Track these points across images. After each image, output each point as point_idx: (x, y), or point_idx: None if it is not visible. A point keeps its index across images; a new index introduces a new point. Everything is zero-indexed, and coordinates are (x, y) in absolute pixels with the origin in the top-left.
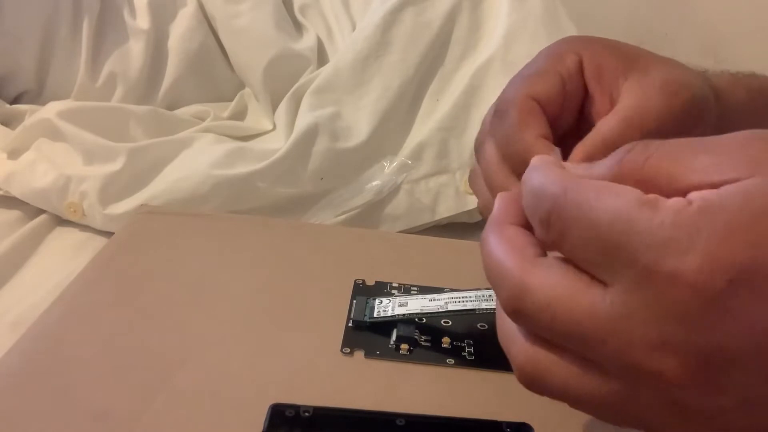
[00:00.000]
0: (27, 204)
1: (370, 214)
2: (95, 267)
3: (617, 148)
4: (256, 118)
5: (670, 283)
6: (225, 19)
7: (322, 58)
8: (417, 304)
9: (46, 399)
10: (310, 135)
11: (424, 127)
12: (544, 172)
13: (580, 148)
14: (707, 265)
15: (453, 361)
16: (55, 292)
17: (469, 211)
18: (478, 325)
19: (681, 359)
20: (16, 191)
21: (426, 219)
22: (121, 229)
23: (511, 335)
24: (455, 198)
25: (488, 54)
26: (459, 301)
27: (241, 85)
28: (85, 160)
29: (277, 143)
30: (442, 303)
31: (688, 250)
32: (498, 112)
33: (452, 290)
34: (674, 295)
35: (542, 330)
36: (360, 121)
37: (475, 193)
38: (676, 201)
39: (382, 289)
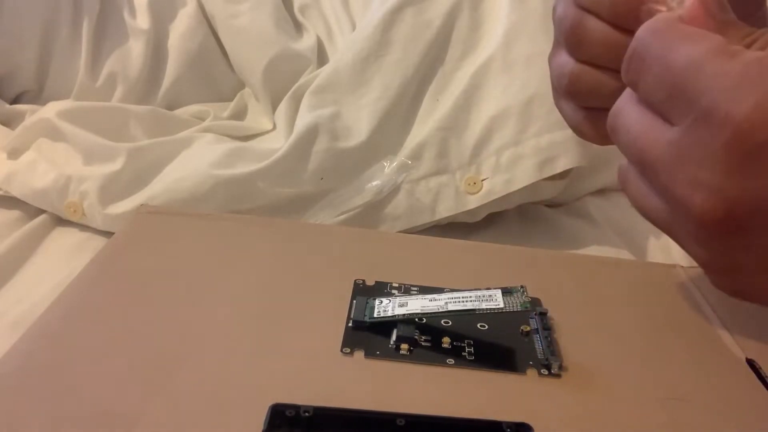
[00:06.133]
0: (27, 204)
1: (370, 214)
2: (95, 267)
3: None
4: (256, 118)
5: (721, 127)
6: (225, 19)
7: (322, 58)
8: (417, 304)
9: (47, 399)
10: (310, 135)
11: (424, 127)
12: (651, 20)
13: None
14: (756, 115)
15: (453, 361)
16: (55, 292)
17: (469, 211)
18: (478, 325)
19: (709, 201)
20: (16, 191)
21: (426, 219)
22: (121, 229)
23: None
24: (455, 198)
25: (488, 54)
26: (459, 301)
27: (241, 85)
28: (85, 160)
29: (277, 143)
30: (442, 303)
31: (743, 100)
32: None
33: (452, 290)
34: (722, 139)
35: (620, 146)
36: (360, 121)
37: (562, 113)
38: (754, 54)
39: (382, 289)
